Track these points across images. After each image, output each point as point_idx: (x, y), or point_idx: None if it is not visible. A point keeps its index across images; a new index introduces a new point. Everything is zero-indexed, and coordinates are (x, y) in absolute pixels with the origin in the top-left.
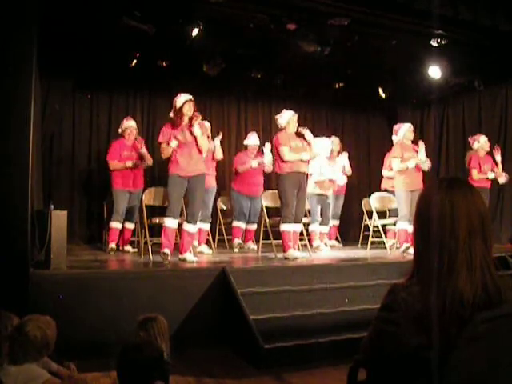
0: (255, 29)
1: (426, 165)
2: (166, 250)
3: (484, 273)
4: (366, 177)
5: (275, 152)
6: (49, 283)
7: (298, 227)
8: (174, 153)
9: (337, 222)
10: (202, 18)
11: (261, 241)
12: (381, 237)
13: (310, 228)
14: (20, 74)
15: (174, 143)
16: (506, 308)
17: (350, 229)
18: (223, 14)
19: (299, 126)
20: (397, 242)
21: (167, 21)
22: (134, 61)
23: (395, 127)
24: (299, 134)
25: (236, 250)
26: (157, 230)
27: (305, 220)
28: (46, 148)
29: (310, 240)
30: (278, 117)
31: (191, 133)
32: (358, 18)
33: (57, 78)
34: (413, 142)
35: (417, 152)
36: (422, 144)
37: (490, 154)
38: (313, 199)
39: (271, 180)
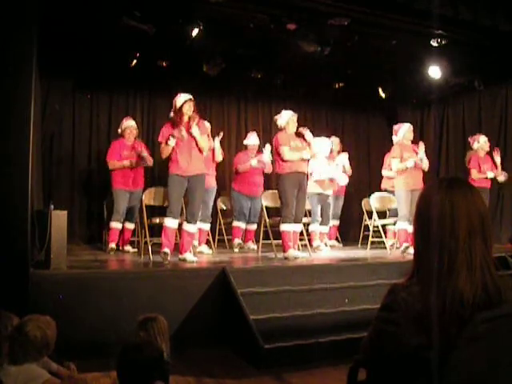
0: (255, 29)
1: (425, 163)
2: (167, 250)
3: (484, 273)
4: (366, 177)
5: (275, 152)
6: (49, 283)
7: (298, 227)
8: (173, 152)
9: (337, 222)
10: (202, 18)
11: (261, 241)
12: (381, 237)
13: (310, 228)
14: (20, 74)
15: (172, 142)
16: (506, 308)
17: (350, 229)
18: (223, 14)
19: (299, 126)
20: (397, 241)
21: (167, 21)
22: (134, 61)
23: (395, 127)
24: (299, 134)
25: (236, 249)
26: (157, 230)
27: (305, 220)
28: (46, 148)
29: (310, 240)
30: (277, 117)
31: (190, 133)
32: (358, 18)
33: (57, 77)
34: (413, 142)
35: (417, 153)
36: (422, 144)
37: (490, 154)
38: (313, 199)
39: (271, 180)
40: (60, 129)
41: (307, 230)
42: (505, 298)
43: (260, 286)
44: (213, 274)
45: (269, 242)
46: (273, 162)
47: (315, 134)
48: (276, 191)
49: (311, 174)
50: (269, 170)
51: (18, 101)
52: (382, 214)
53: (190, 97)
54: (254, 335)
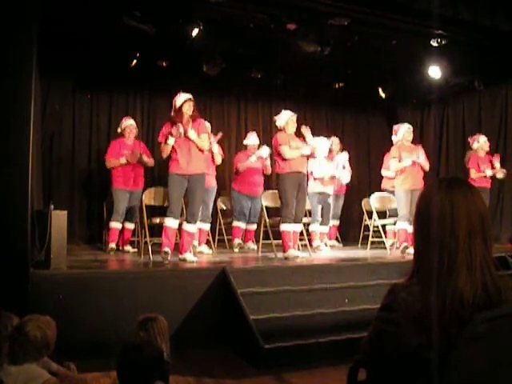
0: (255, 29)
1: (425, 164)
2: (167, 249)
3: (484, 273)
4: (366, 177)
5: (275, 152)
6: (49, 283)
7: (298, 227)
8: (173, 151)
9: (337, 222)
10: (202, 18)
11: (261, 241)
12: (381, 237)
13: (310, 228)
14: (20, 74)
15: (171, 140)
16: (506, 308)
17: (350, 229)
18: (223, 14)
19: (299, 126)
20: (397, 241)
21: (167, 21)
22: (134, 61)
23: (395, 127)
24: (298, 134)
25: (236, 249)
26: (157, 230)
27: (305, 220)
28: (46, 148)
29: (310, 240)
30: (276, 118)
31: (185, 133)
32: (358, 18)
33: (57, 77)
34: (413, 142)
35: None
36: (420, 149)
37: (490, 154)
38: (313, 199)
39: (271, 180)
40: (60, 129)
41: (307, 230)
42: (505, 298)
43: (260, 285)
44: (213, 274)
45: (269, 242)
46: (272, 164)
47: (315, 133)
48: (276, 191)
49: (311, 173)
50: (268, 171)
51: (18, 101)
52: (381, 214)
53: (190, 96)
54: (254, 335)
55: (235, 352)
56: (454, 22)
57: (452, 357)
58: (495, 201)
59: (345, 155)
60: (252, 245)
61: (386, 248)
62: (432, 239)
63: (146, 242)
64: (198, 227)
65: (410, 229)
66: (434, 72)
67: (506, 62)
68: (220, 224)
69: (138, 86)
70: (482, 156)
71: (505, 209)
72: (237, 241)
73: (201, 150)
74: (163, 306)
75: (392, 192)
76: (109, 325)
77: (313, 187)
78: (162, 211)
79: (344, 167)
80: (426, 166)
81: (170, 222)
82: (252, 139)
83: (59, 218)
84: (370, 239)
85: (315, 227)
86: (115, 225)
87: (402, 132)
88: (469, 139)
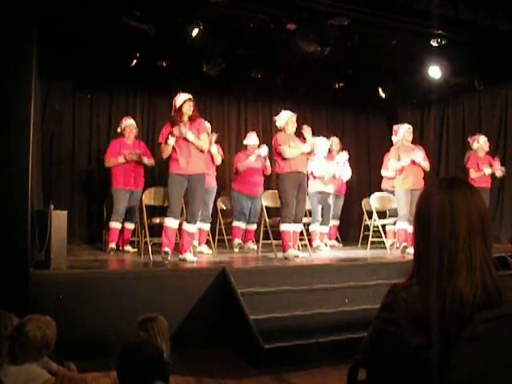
0: (255, 29)
1: (425, 164)
2: (167, 249)
3: (484, 273)
4: (366, 177)
5: (275, 152)
6: (49, 283)
7: (298, 227)
8: (173, 152)
9: (337, 222)
10: (202, 18)
11: (261, 241)
12: (381, 237)
13: (311, 228)
14: (20, 74)
15: (171, 140)
16: (506, 308)
17: (350, 229)
18: (223, 14)
19: (299, 126)
20: (397, 241)
21: (167, 21)
22: (134, 61)
23: (395, 127)
24: (298, 134)
25: (236, 250)
26: (157, 230)
27: (305, 220)
28: (46, 148)
29: (310, 240)
30: (276, 118)
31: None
32: (358, 18)
33: (57, 77)
34: (413, 142)
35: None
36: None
37: (490, 154)
38: (314, 198)
39: (271, 180)
40: (60, 129)
41: (307, 230)
42: (505, 297)
43: (260, 285)
44: (213, 274)
45: (269, 242)
46: (272, 164)
47: (315, 133)
48: (276, 191)
49: (311, 173)
50: (268, 171)
51: (18, 101)
52: (381, 214)
53: (190, 96)
54: (254, 335)
55: (235, 352)
56: (453, 22)
57: (452, 357)
58: (495, 201)
59: (345, 155)
60: (252, 245)
61: (386, 248)
62: (432, 239)
63: (145, 242)
64: (198, 227)
65: (410, 229)
66: (434, 72)
67: (506, 61)
68: (220, 224)
69: (137, 86)
70: (481, 156)
71: (505, 209)
72: (237, 241)
73: (200, 151)
74: (163, 306)
75: (392, 192)
76: (109, 325)
77: (313, 186)
78: (162, 211)
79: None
80: (427, 166)
81: (170, 222)
82: (252, 139)
83: (59, 218)
84: (370, 239)
85: (315, 227)
86: (115, 225)
87: (402, 132)
88: (469, 139)
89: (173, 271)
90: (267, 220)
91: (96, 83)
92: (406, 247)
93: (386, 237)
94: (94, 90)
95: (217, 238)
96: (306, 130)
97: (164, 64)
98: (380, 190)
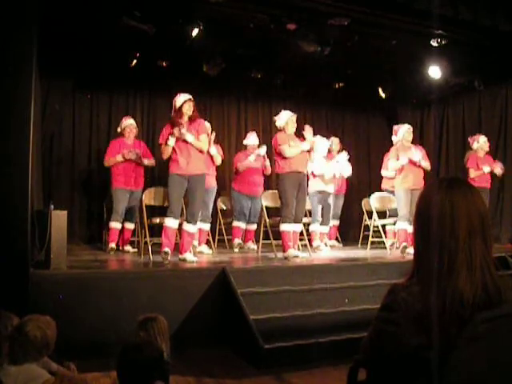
0: (255, 29)
1: (425, 164)
2: (167, 249)
3: (484, 273)
4: (366, 177)
5: (275, 152)
6: (49, 283)
7: (298, 227)
8: (173, 152)
9: (337, 222)
10: (202, 18)
11: (261, 241)
12: (381, 237)
13: (311, 228)
14: (20, 74)
15: (171, 141)
16: (506, 308)
17: (350, 229)
18: (223, 14)
19: (299, 126)
20: (397, 241)
21: (167, 21)
22: (134, 61)
23: (395, 128)
24: (298, 135)
25: (236, 250)
26: (157, 230)
27: (305, 220)
28: (46, 148)
29: (310, 240)
30: (276, 118)
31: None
32: (358, 18)
33: (57, 77)
34: (413, 142)
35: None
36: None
37: (490, 154)
38: (314, 198)
39: (271, 180)
40: (60, 129)
41: (307, 230)
42: (505, 297)
43: (260, 285)
44: (213, 274)
45: (269, 242)
46: (272, 164)
47: (315, 134)
48: (276, 191)
49: (312, 172)
50: (268, 171)
51: (18, 101)
52: (381, 214)
53: (190, 97)
54: (254, 335)
55: (235, 352)
56: (454, 22)
57: (452, 357)
58: (495, 201)
59: (344, 155)
60: (252, 245)
61: (386, 248)
62: (432, 239)
63: (145, 242)
64: (198, 227)
65: (410, 229)
66: (434, 72)
67: (506, 62)
68: (220, 224)
69: (137, 86)
70: (481, 156)
71: (505, 209)
72: (237, 241)
73: (200, 152)
74: (163, 305)
75: (392, 192)
76: (109, 325)
77: (313, 186)
78: (162, 211)
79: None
80: (427, 166)
81: (170, 222)
82: (252, 139)
83: (59, 218)
84: (370, 239)
85: (315, 227)
86: (115, 225)
87: (402, 132)
88: (469, 139)
89: (173, 271)
90: (267, 220)
91: (96, 83)
92: (405, 247)
93: (385, 237)
94: (94, 90)
95: (217, 237)
96: (308, 131)
97: (164, 64)
98: (380, 190)
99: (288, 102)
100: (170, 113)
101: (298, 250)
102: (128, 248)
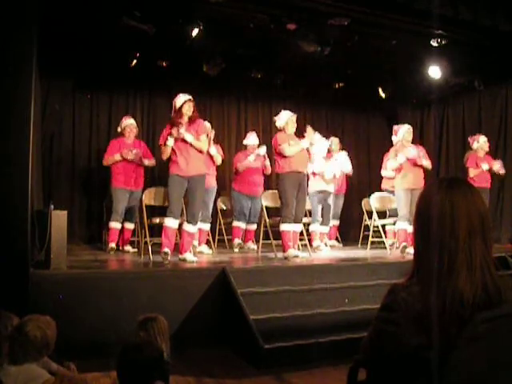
0: (255, 29)
1: (427, 163)
2: (167, 250)
3: (484, 273)
4: (366, 177)
5: (275, 152)
6: (49, 283)
7: (298, 227)
8: (173, 153)
9: (337, 222)
10: (202, 18)
11: (261, 241)
12: (381, 237)
13: (311, 228)
14: (20, 74)
15: (170, 142)
16: (506, 308)
17: (350, 229)
18: (223, 14)
19: (299, 126)
20: (397, 241)
21: (167, 21)
22: (134, 61)
23: (395, 128)
24: (298, 135)
25: (236, 250)
26: (157, 230)
27: (305, 220)
28: (46, 148)
29: (310, 240)
30: (276, 118)
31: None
32: (358, 18)
33: (57, 77)
34: (413, 142)
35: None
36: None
37: (490, 154)
38: (314, 198)
39: (271, 180)
40: (60, 129)
41: (307, 230)
42: (505, 297)
43: (260, 285)
44: (213, 274)
45: (269, 242)
46: (272, 164)
47: None
48: (276, 191)
49: (312, 172)
50: (268, 171)
51: (18, 101)
52: (381, 214)
53: (190, 97)
54: (254, 335)
55: (235, 352)
56: (454, 22)
57: (452, 357)
58: (495, 201)
59: (344, 154)
60: (252, 245)
61: (386, 248)
62: (432, 239)
63: (145, 242)
64: (198, 227)
65: (410, 229)
66: (434, 72)
67: (506, 61)
68: (220, 224)
69: (138, 86)
70: (481, 156)
71: (505, 209)
72: (237, 241)
73: (199, 152)
74: (163, 306)
75: (392, 192)
76: (109, 325)
77: (314, 186)
78: (161, 211)
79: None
80: (428, 165)
81: (170, 222)
82: (252, 139)
83: (59, 218)
84: (370, 239)
85: (315, 227)
86: (114, 225)
87: (402, 132)
88: (469, 139)
89: (173, 271)
90: (267, 220)
91: (96, 83)
92: (405, 247)
93: (386, 237)
94: (94, 90)
95: (217, 237)
96: (310, 131)
97: (164, 64)
98: (380, 190)
99: (288, 102)
100: (170, 113)
101: (298, 250)
102: (128, 248)
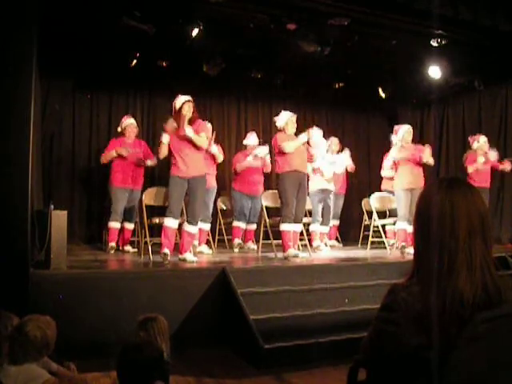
0: (255, 29)
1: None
2: (166, 251)
3: (484, 273)
4: (366, 177)
5: (275, 152)
6: (49, 283)
7: (298, 227)
8: (172, 157)
9: (337, 222)
10: (202, 18)
11: (261, 241)
12: (381, 237)
13: (311, 228)
14: (20, 74)
15: (165, 138)
16: (506, 308)
17: (350, 229)
18: (223, 14)
19: (299, 126)
20: (397, 241)
21: (167, 21)
22: (134, 61)
23: (396, 128)
24: (298, 135)
25: (236, 250)
26: (157, 230)
27: (305, 220)
28: (46, 148)
29: (310, 240)
30: (276, 118)
31: (185, 136)
32: (358, 18)
33: (57, 77)
34: (413, 142)
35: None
36: (427, 147)
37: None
38: (314, 198)
39: (271, 180)
40: (60, 129)
41: (307, 230)
42: (505, 297)
43: (260, 285)
44: (213, 274)
45: (269, 242)
46: (272, 164)
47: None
48: (276, 191)
49: (313, 169)
50: (268, 169)
51: (18, 101)
52: (381, 214)
53: (189, 98)
54: (254, 335)
55: (235, 352)
56: (454, 22)
57: (452, 357)
58: (495, 201)
59: (347, 153)
60: (252, 245)
61: (386, 248)
62: (432, 239)
63: (145, 242)
64: (198, 227)
65: (410, 229)
66: (434, 72)
67: (506, 62)
68: (220, 224)
69: (138, 86)
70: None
71: (505, 209)
72: (237, 241)
73: (199, 149)
74: (163, 305)
75: (392, 192)
76: (109, 325)
77: (314, 184)
78: (161, 211)
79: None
80: (429, 161)
81: (170, 222)
82: (252, 139)
83: (59, 218)
84: (370, 239)
85: (315, 227)
86: (114, 224)
87: (402, 133)
88: (469, 138)
89: (173, 271)
90: (267, 220)
91: (96, 83)
92: (404, 247)
93: (386, 237)
94: (94, 90)
95: (217, 237)
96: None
97: (164, 64)
98: (380, 190)
99: (288, 102)
100: (170, 113)
101: (298, 249)
102: (128, 248)
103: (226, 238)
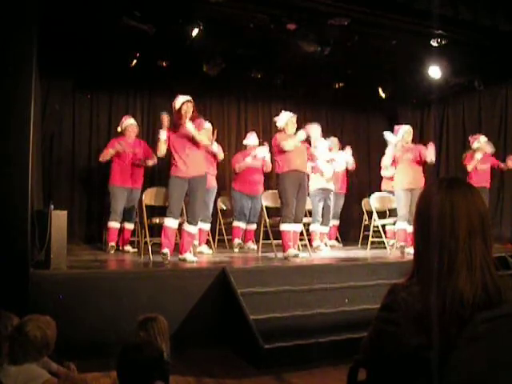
0: (255, 29)
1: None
2: (166, 251)
3: (484, 273)
4: (366, 177)
5: (275, 151)
6: (49, 283)
7: (298, 227)
8: (172, 157)
9: (337, 222)
10: (202, 18)
11: (261, 241)
12: (381, 237)
13: (311, 228)
14: (20, 74)
15: (162, 134)
16: (506, 308)
17: (350, 229)
18: (223, 14)
19: (299, 126)
20: (397, 241)
21: (167, 21)
22: (134, 61)
23: (396, 128)
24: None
25: (236, 250)
26: (157, 230)
27: (305, 220)
28: (46, 148)
29: (310, 240)
30: (276, 119)
31: (185, 134)
32: (358, 18)
33: (57, 77)
34: (413, 141)
35: (419, 153)
36: (431, 146)
37: (491, 155)
38: (315, 198)
39: (271, 180)
40: (60, 129)
41: (307, 230)
42: (505, 297)
43: (260, 285)
44: (213, 274)
45: (269, 242)
46: (272, 164)
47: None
48: (276, 191)
49: (312, 168)
50: (268, 168)
51: (18, 101)
52: (381, 214)
53: (189, 98)
54: (254, 335)
55: (235, 352)
56: (454, 22)
57: (452, 357)
58: (495, 201)
59: (349, 151)
60: (252, 245)
61: (386, 248)
62: (432, 239)
63: (145, 242)
64: (199, 227)
65: (410, 229)
66: (434, 72)
67: (506, 61)
68: (220, 224)
69: (138, 86)
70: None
71: (505, 209)
72: (237, 241)
73: (200, 147)
74: (163, 306)
75: (392, 193)
76: (109, 325)
77: (314, 184)
78: (161, 211)
79: (347, 162)
80: (431, 159)
81: (170, 222)
82: (252, 139)
83: (59, 218)
84: (370, 239)
85: (315, 227)
86: (113, 224)
87: (402, 133)
88: (469, 138)
89: (173, 271)
90: (267, 220)
91: (96, 83)
92: (403, 247)
93: (386, 237)
94: (94, 90)
95: (217, 237)
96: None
97: (164, 64)
98: (380, 190)
99: (288, 102)
100: (170, 113)
101: (298, 249)
102: (128, 248)
103: (226, 238)
